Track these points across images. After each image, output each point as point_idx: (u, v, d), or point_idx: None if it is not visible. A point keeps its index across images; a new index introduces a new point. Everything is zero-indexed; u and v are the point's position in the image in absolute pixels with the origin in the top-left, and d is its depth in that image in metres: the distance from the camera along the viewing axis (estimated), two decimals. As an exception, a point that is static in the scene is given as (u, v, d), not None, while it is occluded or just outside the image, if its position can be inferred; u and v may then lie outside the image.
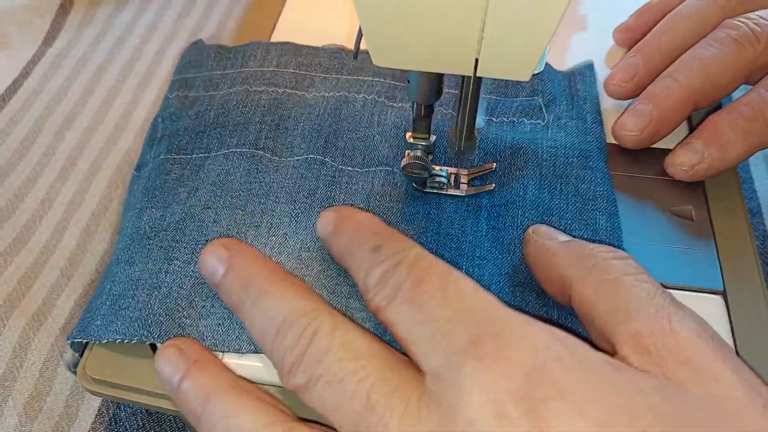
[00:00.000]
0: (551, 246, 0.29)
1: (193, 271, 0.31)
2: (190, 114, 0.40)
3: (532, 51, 0.25)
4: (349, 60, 0.41)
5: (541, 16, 0.23)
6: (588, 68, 0.40)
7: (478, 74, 0.26)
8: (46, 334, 0.38)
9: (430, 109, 0.31)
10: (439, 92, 0.30)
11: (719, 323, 0.30)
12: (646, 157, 0.36)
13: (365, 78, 0.40)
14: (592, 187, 0.34)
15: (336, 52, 0.42)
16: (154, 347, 0.31)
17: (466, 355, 0.23)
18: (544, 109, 0.37)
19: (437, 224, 0.33)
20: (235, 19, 0.56)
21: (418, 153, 0.32)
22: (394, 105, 0.38)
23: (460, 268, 0.31)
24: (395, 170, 0.35)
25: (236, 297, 0.28)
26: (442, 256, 0.30)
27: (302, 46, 0.42)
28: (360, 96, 0.38)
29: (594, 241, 0.31)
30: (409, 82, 0.30)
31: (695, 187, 0.35)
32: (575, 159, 0.35)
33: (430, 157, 0.33)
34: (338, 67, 0.41)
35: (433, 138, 0.32)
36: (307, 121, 0.37)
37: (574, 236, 0.32)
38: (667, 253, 0.32)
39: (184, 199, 0.34)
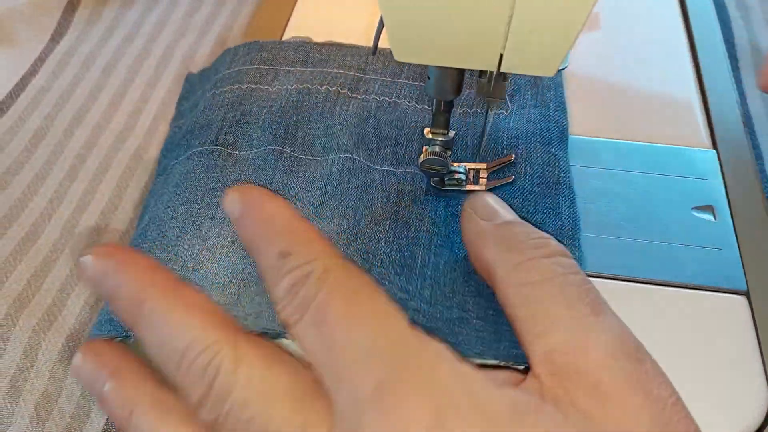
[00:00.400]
0: (484, 228, 0.27)
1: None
2: (176, 135, 0.40)
3: (558, 47, 0.24)
4: (314, 52, 0.41)
5: (568, 11, 0.23)
6: None
7: (502, 69, 0.26)
8: (57, 334, 0.37)
9: (449, 105, 0.31)
10: (459, 89, 0.30)
11: (743, 324, 0.30)
12: (665, 156, 0.36)
13: (330, 70, 0.40)
14: (555, 173, 0.34)
15: (301, 44, 0.41)
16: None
17: (368, 404, 0.22)
18: (507, 99, 0.37)
19: (395, 207, 0.33)
20: (244, 16, 0.56)
21: (437, 149, 0.32)
22: (357, 96, 0.38)
23: (416, 256, 0.30)
24: (353, 156, 0.35)
25: (130, 316, 0.26)
26: (399, 244, 0.30)
27: (268, 41, 0.42)
28: (323, 88, 0.38)
29: (555, 227, 0.30)
30: (429, 78, 0.29)
31: (716, 187, 0.35)
32: (539, 144, 0.35)
33: (449, 153, 0.32)
34: (303, 59, 0.41)
35: (451, 134, 0.32)
36: (268, 114, 0.37)
37: (536, 220, 0.32)
38: (689, 252, 0.32)
39: (152, 205, 0.34)
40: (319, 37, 0.43)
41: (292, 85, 0.38)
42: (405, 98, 0.38)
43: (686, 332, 0.30)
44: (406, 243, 0.31)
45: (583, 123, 0.38)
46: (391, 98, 0.38)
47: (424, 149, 0.32)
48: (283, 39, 0.44)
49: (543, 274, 0.25)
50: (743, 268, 0.32)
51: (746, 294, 0.31)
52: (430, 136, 0.32)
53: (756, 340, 0.30)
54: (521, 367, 0.28)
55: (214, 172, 0.34)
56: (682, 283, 0.31)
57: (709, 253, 0.32)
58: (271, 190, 0.26)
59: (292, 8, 0.47)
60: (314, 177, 0.34)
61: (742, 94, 0.54)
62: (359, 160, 0.35)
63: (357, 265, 0.25)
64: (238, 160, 0.35)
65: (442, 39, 0.25)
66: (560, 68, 0.26)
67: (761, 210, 0.34)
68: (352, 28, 0.44)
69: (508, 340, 0.28)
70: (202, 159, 0.35)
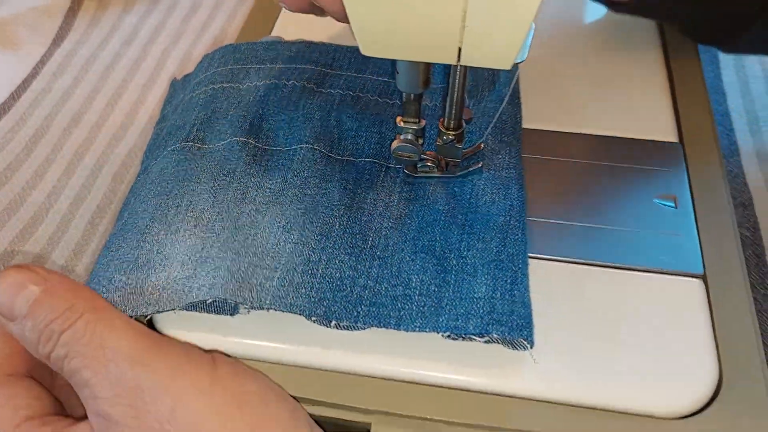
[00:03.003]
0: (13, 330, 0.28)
1: (124, 255, 0.32)
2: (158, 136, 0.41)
3: (511, 40, 0.26)
4: (284, 50, 0.43)
5: (519, 6, 0.24)
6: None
7: (461, 63, 0.27)
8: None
9: (419, 96, 0.32)
10: (426, 82, 0.31)
11: (698, 305, 0.31)
12: (632, 147, 0.37)
13: (298, 66, 0.41)
14: (506, 159, 0.36)
15: (272, 43, 0.43)
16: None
17: None
18: (465, 94, 0.39)
19: (352, 193, 0.34)
20: (239, 20, 0.58)
21: (409, 137, 0.33)
22: (323, 91, 0.40)
23: (366, 239, 0.32)
24: (314, 147, 0.36)
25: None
26: (352, 227, 0.33)
27: (242, 43, 0.44)
28: (290, 83, 0.40)
29: (505, 207, 0.33)
30: (397, 72, 0.31)
31: (680, 176, 0.36)
32: (491, 136, 0.37)
33: (421, 141, 0.34)
34: (273, 57, 0.42)
35: (422, 123, 0.33)
36: (236, 109, 0.38)
37: (486, 200, 0.34)
38: (649, 238, 0.33)
39: (132, 203, 0.36)
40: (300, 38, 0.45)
41: (261, 82, 0.40)
42: (368, 92, 0.40)
43: (644, 313, 0.31)
44: (359, 226, 0.33)
45: (549, 115, 0.39)
46: (354, 92, 0.40)
47: (396, 136, 0.34)
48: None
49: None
50: (701, 253, 0.33)
51: (703, 277, 0.32)
52: (402, 124, 0.33)
53: (710, 321, 0.31)
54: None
55: (183, 166, 0.36)
56: (641, 266, 0.32)
57: (669, 239, 0.33)
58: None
59: (279, 13, 0.49)
60: (276, 166, 0.36)
61: (721, 92, 0.55)
62: (320, 151, 0.36)
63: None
64: (206, 153, 0.36)
65: (404, 34, 0.27)
66: (517, 61, 0.28)
67: (723, 199, 0.35)
68: (336, 29, 0.45)
69: (448, 314, 0.30)
70: (174, 155, 0.36)
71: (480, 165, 0.35)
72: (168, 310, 0.30)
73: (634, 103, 0.40)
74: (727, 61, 0.57)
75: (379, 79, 0.40)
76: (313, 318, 0.30)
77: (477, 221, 0.33)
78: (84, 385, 0.26)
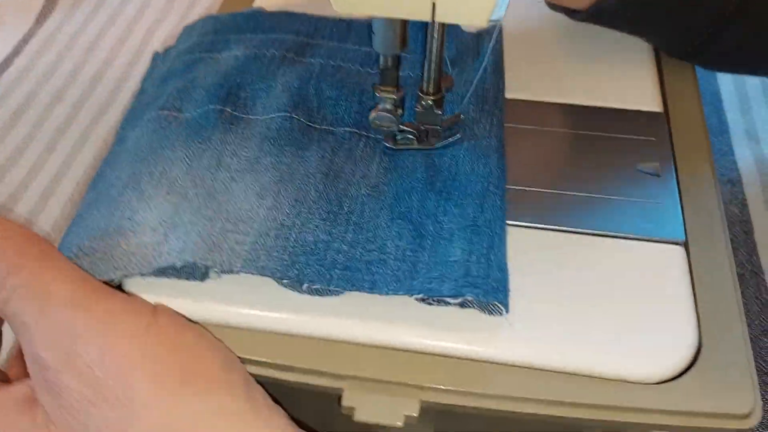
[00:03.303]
0: None
1: (95, 223, 0.32)
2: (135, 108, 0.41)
3: (485, -7, 0.25)
4: (264, 20, 0.42)
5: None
6: (495, 28, 0.41)
7: (436, 19, 0.27)
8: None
9: (396, 61, 0.32)
10: (403, 43, 0.31)
11: (680, 272, 0.31)
12: (616, 117, 0.37)
13: (278, 36, 0.41)
14: (486, 128, 0.35)
15: (252, 14, 0.42)
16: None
17: None
18: (448, 63, 0.38)
19: (329, 162, 0.34)
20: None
21: (388, 106, 0.33)
22: (303, 60, 0.39)
23: (342, 205, 0.32)
24: (292, 116, 0.36)
25: None
26: (327, 194, 0.32)
27: (222, 14, 0.43)
28: (269, 52, 0.39)
29: (484, 173, 0.33)
30: (373, 33, 0.30)
31: (663, 146, 0.35)
32: (472, 105, 0.36)
33: (400, 112, 0.33)
34: (253, 27, 0.42)
35: (401, 92, 0.33)
36: (214, 77, 0.38)
37: (467, 169, 0.33)
38: (632, 206, 0.33)
39: (106, 173, 0.35)
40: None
41: (240, 51, 0.39)
42: (349, 62, 0.39)
43: (624, 279, 0.30)
44: (335, 194, 0.32)
45: (533, 85, 0.38)
46: (335, 62, 0.39)
47: (375, 106, 0.33)
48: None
49: None
50: (683, 220, 0.32)
51: (684, 244, 0.32)
52: (380, 93, 0.33)
53: (691, 287, 0.30)
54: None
55: (158, 134, 0.35)
56: (622, 234, 0.32)
57: (652, 207, 0.33)
58: None
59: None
60: (252, 134, 0.35)
61: (712, 73, 0.55)
62: (298, 120, 0.36)
63: None
64: (182, 121, 0.36)
65: (376, -12, 0.26)
66: (493, 18, 0.27)
67: (706, 167, 0.35)
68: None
69: (423, 277, 0.29)
70: (150, 124, 0.36)
71: (459, 136, 0.34)
72: (136, 275, 0.29)
73: (618, 74, 0.39)
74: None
75: (361, 48, 0.40)
76: (284, 281, 0.29)
77: (455, 188, 0.32)
78: (24, 329, 0.26)
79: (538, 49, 0.41)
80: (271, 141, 0.35)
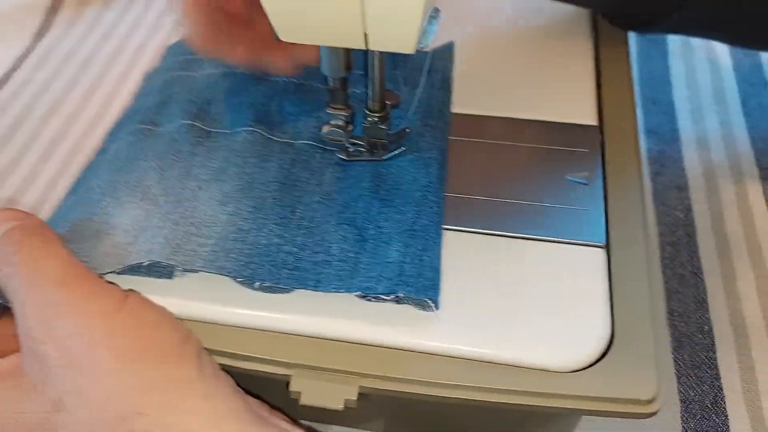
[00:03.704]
0: None
1: (75, 227, 0.35)
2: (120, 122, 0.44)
3: (409, 25, 0.29)
4: None
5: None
6: (447, 47, 0.44)
7: (369, 47, 0.30)
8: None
9: (343, 82, 0.35)
10: (347, 67, 0.34)
11: (599, 272, 0.34)
12: (553, 130, 0.40)
13: None
14: (430, 141, 0.38)
15: None
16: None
17: None
18: (400, 80, 0.41)
19: (287, 172, 0.37)
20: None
21: (340, 122, 0.36)
22: (270, 79, 0.43)
23: (295, 211, 0.35)
24: (255, 130, 0.39)
25: None
26: (283, 201, 0.36)
27: None
28: (240, 71, 0.43)
29: (425, 183, 0.36)
30: (321, 58, 0.34)
31: (594, 156, 0.38)
32: (418, 120, 0.40)
33: (350, 127, 0.37)
34: None
35: (350, 110, 0.36)
36: (187, 95, 0.42)
37: (409, 178, 0.36)
38: (559, 212, 0.36)
39: (87, 179, 0.39)
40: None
41: (212, 70, 0.43)
42: (311, 80, 0.43)
43: (547, 278, 0.33)
44: (290, 200, 0.36)
45: (480, 101, 0.42)
46: (298, 80, 0.42)
47: (327, 123, 0.37)
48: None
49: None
50: (606, 226, 0.35)
51: (606, 247, 0.35)
52: (331, 111, 0.36)
53: (608, 285, 0.33)
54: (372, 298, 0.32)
55: (136, 146, 0.39)
56: (548, 237, 0.35)
57: (577, 213, 0.36)
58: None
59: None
60: (219, 147, 0.39)
61: (668, 82, 0.58)
62: (260, 133, 0.39)
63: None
64: (157, 135, 0.39)
65: (314, 21, 0.29)
66: (421, 46, 0.30)
67: (634, 178, 0.38)
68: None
69: (362, 277, 0.33)
70: (129, 137, 0.40)
71: (403, 149, 0.37)
72: (109, 272, 0.33)
73: (559, 89, 0.42)
74: (675, 51, 0.60)
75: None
76: (239, 279, 0.33)
77: (398, 196, 0.36)
78: (18, 302, 0.29)
79: (487, 66, 0.44)
80: (236, 153, 0.38)
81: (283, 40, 0.31)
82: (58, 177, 0.50)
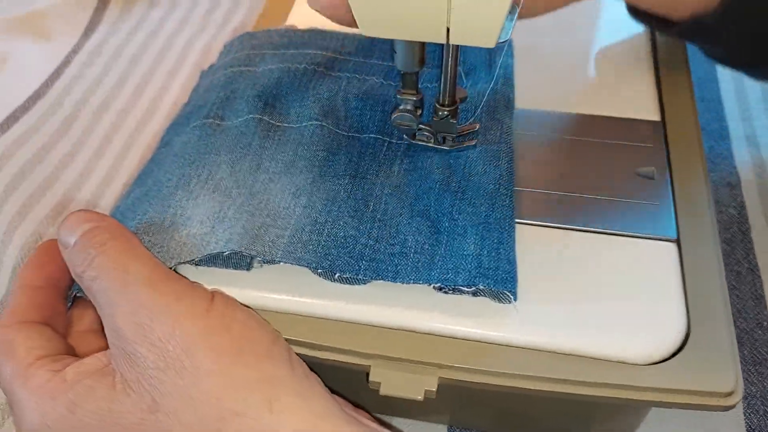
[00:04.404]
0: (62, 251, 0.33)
1: (150, 219, 0.36)
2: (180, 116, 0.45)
3: (493, 20, 0.29)
4: (297, 36, 0.46)
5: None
6: (507, 43, 0.45)
7: (450, 42, 0.30)
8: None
9: (415, 74, 0.35)
10: (421, 62, 0.34)
11: (672, 266, 0.34)
12: (617, 125, 0.40)
13: (309, 51, 0.45)
14: (498, 134, 0.39)
15: (286, 31, 0.47)
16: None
17: None
18: (463, 76, 0.42)
19: (356, 165, 0.38)
20: (258, 13, 0.61)
21: (408, 107, 0.37)
22: (332, 74, 0.43)
23: (368, 204, 0.36)
24: (323, 124, 0.40)
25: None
26: (355, 194, 0.36)
27: (258, 31, 0.47)
28: (302, 66, 0.43)
29: (495, 176, 0.36)
30: (395, 52, 0.34)
31: (659, 152, 0.39)
32: (485, 114, 0.40)
33: (419, 111, 0.37)
34: (286, 43, 0.46)
35: (420, 95, 0.37)
36: (252, 90, 0.42)
37: (478, 170, 0.37)
38: (629, 206, 0.36)
39: (154, 171, 0.40)
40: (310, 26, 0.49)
41: (275, 65, 0.43)
42: (374, 76, 0.43)
43: (621, 272, 0.34)
44: (362, 193, 0.36)
45: (542, 96, 0.42)
46: (360, 76, 0.43)
47: (396, 108, 0.37)
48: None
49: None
50: (676, 220, 0.36)
51: (677, 242, 0.35)
52: (401, 96, 0.37)
53: (681, 279, 0.33)
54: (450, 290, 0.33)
55: (203, 140, 0.39)
56: (620, 231, 0.35)
57: (647, 208, 0.36)
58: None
59: (292, 4, 0.52)
60: (288, 140, 0.39)
61: (715, 79, 0.58)
62: (328, 127, 0.40)
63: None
64: (224, 129, 0.40)
65: (399, 16, 0.30)
66: (500, 40, 0.31)
67: (699, 172, 0.38)
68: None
69: (439, 269, 0.33)
70: (196, 131, 0.40)
71: (474, 142, 0.38)
72: (188, 261, 0.33)
73: (621, 86, 0.43)
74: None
75: (384, 63, 0.44)
76: (319, 271, 0.33)
77: (469, 189, 0.36)
78: (106, 303, 0.30)
79: (547, 63, 0.45)
80: (305, 146, 0.39)
81: (365, 34, 0.31)
82: (114, 172, 0.51)
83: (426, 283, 0.33)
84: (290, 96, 0.42)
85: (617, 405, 0.33)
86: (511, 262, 0.33)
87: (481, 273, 0.32)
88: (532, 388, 0.31)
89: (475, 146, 0.38)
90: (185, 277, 0.33)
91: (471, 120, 0.39)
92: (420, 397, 0.31)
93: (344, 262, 0.33)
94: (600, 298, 0.33)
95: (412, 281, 0.33)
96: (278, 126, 0.40)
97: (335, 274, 0.33)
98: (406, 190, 0.37)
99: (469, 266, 0.33)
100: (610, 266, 0.34)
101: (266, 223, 0.34)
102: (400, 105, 0.37)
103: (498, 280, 0.32)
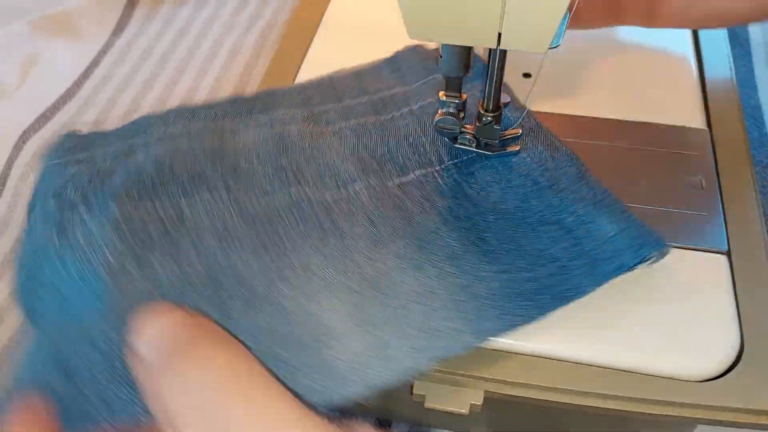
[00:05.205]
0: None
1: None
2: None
3: (547, 25, 0.28)
4: (246, 103, 0.40)
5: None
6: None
7: (500, 47, 0.29)
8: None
9: (459, 79, 0.35)
10: (467, 67, 0.33)
11: (723, 279, 0.33)
12: (664, 133, 0.39)
13: (280, 112, 0.39)
14: (542, 139, 0.37)
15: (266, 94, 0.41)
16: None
17: None
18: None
19: (434, 210, 0.34)
20: (286, 13, 0.61)
21: (451, 109, 0.35)
22: (329, 128, 0.38)
23: (483, 239, 0.33)
24: (370, 183, 0.35)
25: None
26: (465, 239, 0.33)
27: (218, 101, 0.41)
28: (295, 128, 0.37)
29: (567, 163, 0.35)
30: (441, 56, 0.33)
31: (707, 160, 0.38)
32: (525, 120, 0.38)
33: (462, 114, 0.36)
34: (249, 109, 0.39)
35: (464, 97, 0.35)
36: (271, 160, 0.35)
37: (548, 162, 0.36)
38: (678, 217, 0.35)
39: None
40: (354, 31, 0.47)
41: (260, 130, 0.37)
42: (365, 117, 0.39)
43: (673, 285, 0.33)
44: (468, 234, 0.33)
45: (586, 103, 0.41)
46: (356, 120, 0.39)
47: (439, 111, 0.36)
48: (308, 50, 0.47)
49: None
50: (726, 231, 0.35)
51: (727, 254, 0.34)
52: (444, 98, 0.35)
53: (733, 293, 0.33)
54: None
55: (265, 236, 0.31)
56: (671, 243, 0.34)
57: (696, 218, 0.35)
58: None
59: (326, 6, 0.51)
60: (350, 211, 0.33)
61: (753, 85, 0.57)
62: (375, 184, 0.35)
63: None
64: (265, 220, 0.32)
65: (448, 19, 0.29)
66: (552, 46, 0.30)
67: (747, 182, 0.37)
68: (387, 22, 0.46)
69: (602, 261, 0.32)
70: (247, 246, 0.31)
71: (518, 148, 0.37)
72: None
73: (667, 93, 0.42)
74: (759, 55, 0.59)
75: (363, 99, 0.41)
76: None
77: (557, 180, 0.35)
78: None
79: (590, 70, 0.44)
80: (372, 212, 0.34)
81: (413, 38, 0.31)
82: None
83: (603, 282, 0.32)
84: (313, 163, 0.36)
85: (664, 422, 0.32)
86: (642, 222, 0.33)
87: (639, 243, 0.32)
88: (579, 403, 0.30)
89: (518, 152, 0.37)
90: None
91: (515, 125, 0.38)
92: (465, 411, 0.30)
93: (524, 309, 0.31)
94: (650, 312, 0.32)
95: (591, 289, 0.32)
96: (323, 200, 0.34)
97: (518, 327, 0.31)
98: (503, 208, 0.34)
99: (624, 244, 0.32)
100: (661, 279, 0.33)
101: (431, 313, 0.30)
102: (442, 107, 0.36)
103: (652, 242, 0.32)
